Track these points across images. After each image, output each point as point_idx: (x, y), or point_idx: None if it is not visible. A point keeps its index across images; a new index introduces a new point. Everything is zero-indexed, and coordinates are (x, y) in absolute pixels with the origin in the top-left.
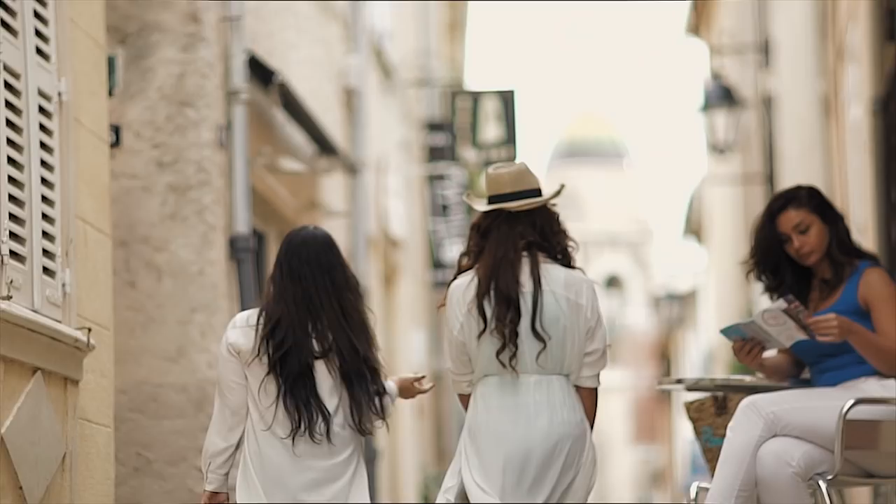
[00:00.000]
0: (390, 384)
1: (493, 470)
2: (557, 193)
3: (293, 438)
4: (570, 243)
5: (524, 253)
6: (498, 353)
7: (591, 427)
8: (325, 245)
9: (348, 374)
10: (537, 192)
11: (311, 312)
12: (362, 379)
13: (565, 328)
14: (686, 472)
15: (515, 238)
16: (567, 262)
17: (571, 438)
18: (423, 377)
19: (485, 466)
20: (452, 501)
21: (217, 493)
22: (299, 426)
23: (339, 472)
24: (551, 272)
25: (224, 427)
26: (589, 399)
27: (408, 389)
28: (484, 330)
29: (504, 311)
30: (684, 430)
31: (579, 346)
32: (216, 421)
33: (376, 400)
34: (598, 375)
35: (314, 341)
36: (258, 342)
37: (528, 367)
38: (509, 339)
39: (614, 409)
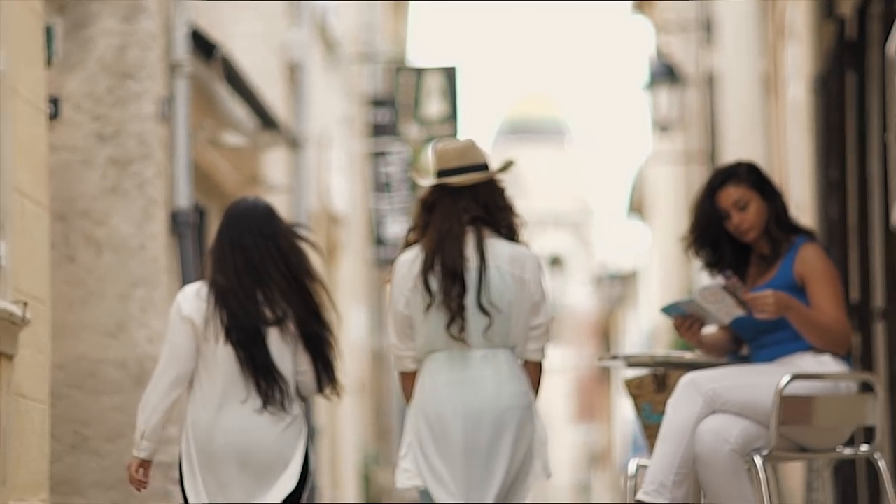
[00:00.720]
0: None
1: (449, 451)
2: (502, 169)
3: (250, 406)
4: (517, 219)
5: (469, 227)
6: (448, 326)
7: (535, 399)
8: (267, 213)
9: (310, 338)
10: (483, 168)
11: (258, 280)
12: (323, 341)
13: (510, 303)
14: (626, 452)
15: (459, 212)
16: (513, 237)
17: (519, 409)
18: None
19: (440, 448)
20: (422, 486)
21: (148, 461)
22: (257, 394)
23: (290, 437)
24: (497, 247)
25: (164, 392)
26: (535, 372)
27: None
28: (431, 304)
29: (450, 285)
30: (624, 409)
31: (524, 321)
32: (157, 387)
33: (334, 363)
34: (543, 349)
35: (265, 309)
36: (209, 314)
37: (475, 341)
38: (457, 313)
39: (555, 389)
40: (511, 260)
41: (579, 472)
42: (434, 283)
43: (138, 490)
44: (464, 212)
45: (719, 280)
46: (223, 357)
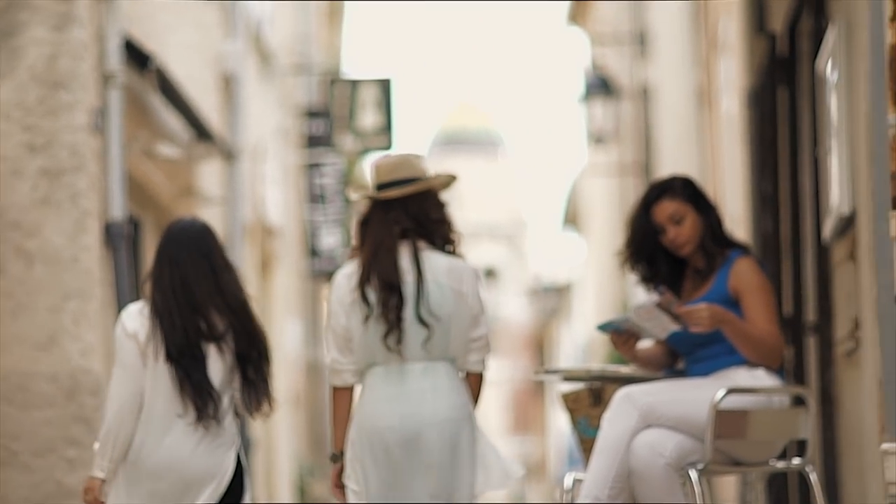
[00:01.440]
0: None
1: (388, 466)
2: (442, 183)
3: (187, 424)
4: (452, 231)
5: (403, 240)
6: (384, 337)
7: (474, 410)
8: (203, 232)
9: (242, 356)
10: (415, 180)
11: (193, 298)
12: (256, 360)
13: (449, 315)
14: (561, 464)
15: (390, 224)
16: (449, 249)
17: (457, 422)
18: None
19: (378, 464)
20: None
21: (105, 481)
22: (193, 411)
23: (222, 454)
24: (433, 260)
25: (130, 413)
26: (476, 384)
27: None
28: (369, 316)
29: (387, 296)
30: (559, 421)
31: (464, 333)
32: (114, 409)
33: (269, 380)
34: (484, 360)
35: (202, 326)
36: (149, 332)
37: (414, 354)
38: (394, 325)
39: (490, 401)
40: (448, 272)
41: (514, 484)
42: (371, 296)
43: None
44: (394, 224)
45: (653, 297)
46: (161, 374)
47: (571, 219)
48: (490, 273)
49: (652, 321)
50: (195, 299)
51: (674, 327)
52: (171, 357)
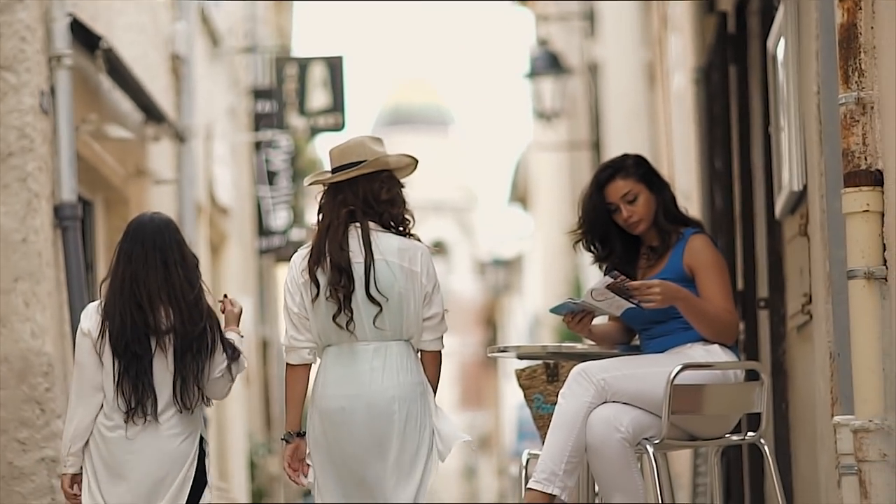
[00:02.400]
0: (234, 339)
1: (339, 445)
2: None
3: (128, 420)
4: (402, 211)
5: (356, 223)
6: (334, 317)
7: (436, 389)
8: (161, 226)
9: (178, 352)
10: (361, 163)
11: (141, 293)
12: (192, 355)
13: (401, 294)
14: (513, 438)
15: (339, 207)
16: (401, 230)
17: (408, 400)
18: (225, 297)
19: (330, 443)
20: (312, 481)
21: (77, 474)
22: (131, 407)
23: (176, 452)
24: (384, 240)
25: (84, 408)
26: (433, 362)
27: (232, 317)
28: (318, 296)
29: (337, 277)
30: (511, 395)
31: (416, 312)
32: (74, 404)
33: (219, 371)
34: (440, 339)
35: (150, 321)
36: (99, 328)
37: (368, 335)
38: (344, 305)
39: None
40: (399, 252)
41: (465, 457)
42: (321, 277)
43: (73, 501)
44: (342, 206)
45: (605, 280)
46: (108, 369)
47: (519, 195)
48: (439, 247)
49: (607, 301)
50: (143, 295)
51: (628, 305)
52: (114, 353)
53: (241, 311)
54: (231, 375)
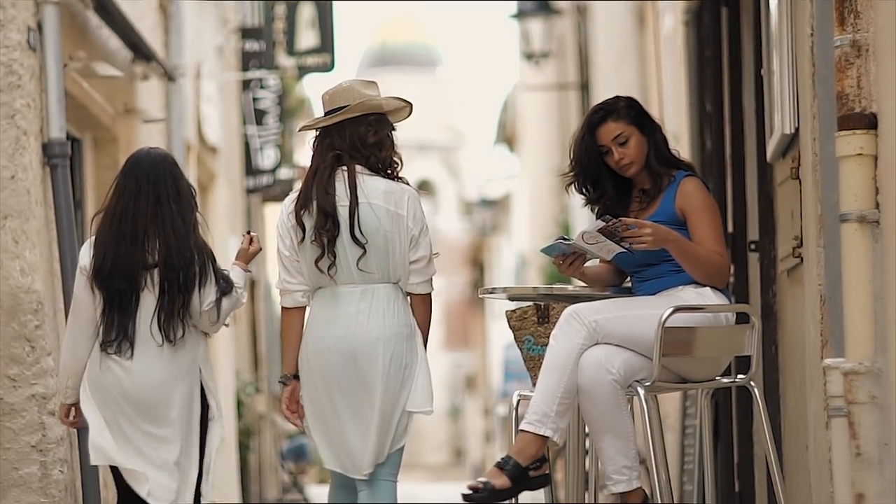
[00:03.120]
0: (236, 274)
1: (325, 386)
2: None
3: (115, 351)
4: (388, 154)
5: (339, 166)
6: (316, 262)
7: (427, 332)
8: (157, 161)
9: (164, 286)
10: (363, 108)
11: (129, 227)
12: (178, 289)
13: (386, 237)
14: (499, 378)
15: (325, 151)
16: (388, 173)
17: (394, 339)
18: (249, 233)
19: (317, 383)
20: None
21: (75, 404)
22: (113, 339)
23: (170, 383)
24: (370, 184)
25: (79, 341)
26: (422, 305)
27: (244, 254)
28: (303, 239)
29: (322, 221)
30: (497, 336)
31: (402, 255)
32: (70, 338)
33: (208, 304)
34: (428, 281)
35: (139, 255)
36: (91, 261)
37: (354, 277)
38: (327, 249)
39: None
40: (385, 195)
41: (451, 397)
42: (308, 221)
43: (72, 428)
44: (329, 150)
45: (597, 223)
46: (99, 300)
47: (505, 136)
48: (425, 188)
49: (597, 245)
50: (131, 229)
51: (619, 250)
52: (101, 286)
53: (258, 252)
54: (219, 308)
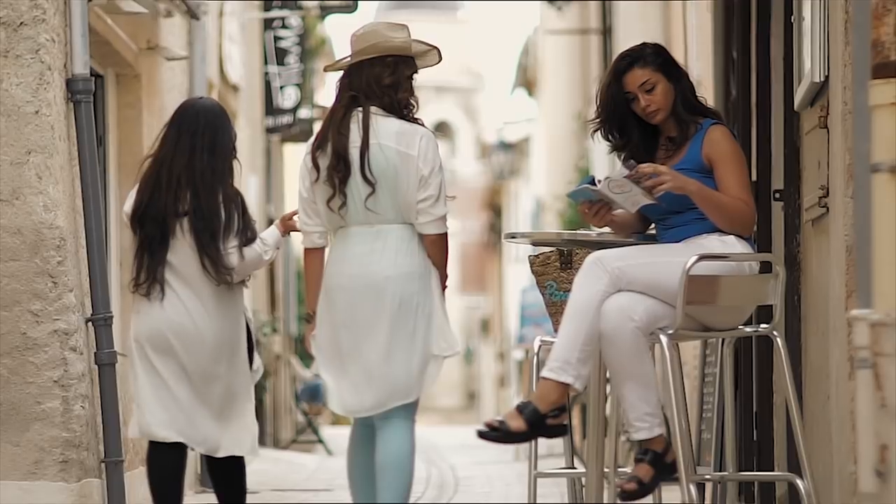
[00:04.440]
0: (270, 232)
1: (334, 322)
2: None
3: (142, 291)
4: (405, 96)
5: (355, 107)
6: (328, 201)
7: (444, 274)
8: (200, 111)
9: (195, 232)
10: (379, 49)
11: (164, 174)
12: (209, 236)
13: (394, 177)
14: (515, 322)
15: (343, 92)
16: (403, 114)
17: (403, 279)
18: (293, 213)
19: (328, 320)
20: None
21: None
22: (141, 281)
23: (211, 327)
24: (383, 125)
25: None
26: (433, 246)
27: (286, 225)
28: (317, 180)
29: (334, 161)
30: (514, 280)
31: (411, 195)
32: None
33: (230, 249)
34: (436, 221)
35: (171, 202)
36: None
37: (366, 218)
38: (338, 189)
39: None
40: (398, 136)
41: (466, 340)
42: (322, 161)
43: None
44: (346, 90)
45: (623, 171)
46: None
47: (525, 80)
48: (442, 129)
49: (623, 194)
50: (167, 176)
51: (645, 200)
52: (134, 229)
53: (292, 228)
54: (240, 256)
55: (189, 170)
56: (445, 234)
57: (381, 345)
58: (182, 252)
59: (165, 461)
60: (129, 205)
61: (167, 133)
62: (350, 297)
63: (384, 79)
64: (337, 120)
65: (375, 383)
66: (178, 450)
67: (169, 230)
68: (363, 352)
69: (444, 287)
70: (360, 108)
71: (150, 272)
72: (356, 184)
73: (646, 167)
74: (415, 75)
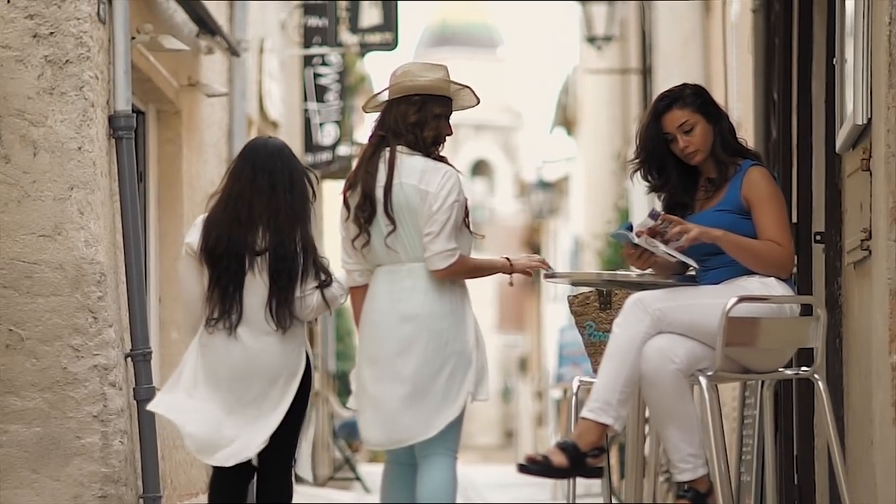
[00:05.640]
0: (341, 275)
1: (368, 355)
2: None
3: (216, 328)
4: (430, 133)
5: (382, 146)
6: (353, 240)
7: (482, 274)
8: (274, 151)
9: (272, 273)
10: (405, 88)
11: (244, 212)
12: (285, 277)
13: (416, 215)
14: (553, 361)
15: (374, 132)
16: (427, 151)
17: (433, 317)
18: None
19: (363, 362)
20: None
21: None
22: (216, 317)
23: (270, 366)
24: (408, 163)
25: (185, 316)
26: (446, 280)
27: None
28: (347, 219)
29: (361, 201)
30: (552, 318)
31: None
32: (185, 315)
33: (309, 297)
34: (438, 256)
35: (248, 239)
36: (199, 239)
37: (391, 256)
38: (363, 228)
39: (480, 295)
40: (420, 174)
41: (504, 378)
42: (352, 201)
43: None
44: (377, 130)
45: (647, 221)
46: (205, 279)
47: (564, 119)
48: (480, 169)
49: (656, 248)
50: (246, 213)
51: (669, 256)
52: (209, 263)
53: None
54: (323, 300)
55: (270, 208)
56: (452, 267)
57: (407, 381)
58: (253, 290)
59: (227, 485)
60: (193, 237)
61: (240, 170)
62: (379, 333)
63: (409, 117)
64: (365, 159)
65: (398, 418)
66: (241, 472)
67: (245, 267)
68: (388, 387)
69: (509, 270)
70: (388, 148)
71: (224, 309)
72: (378, 223)
73: (671, 218)
74: (447, 114)
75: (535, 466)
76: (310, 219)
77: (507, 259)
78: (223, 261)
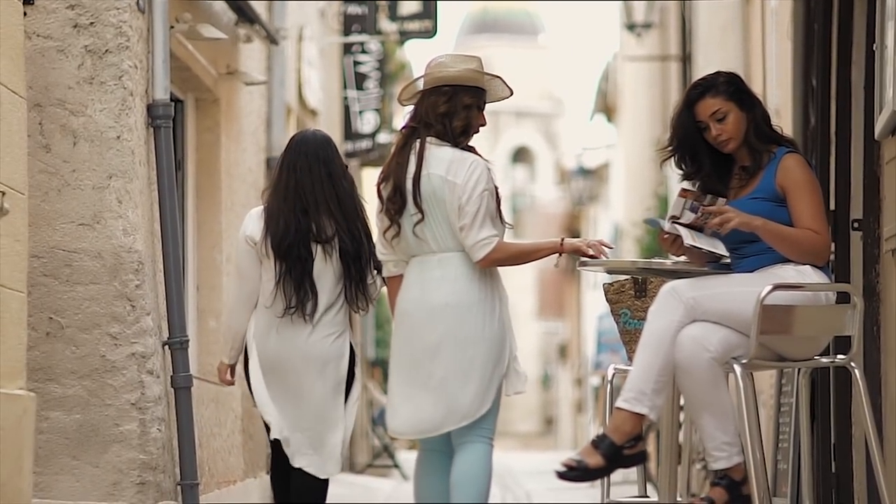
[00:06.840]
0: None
1: (399, 345)
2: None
3: (287, 317)
4: (465, 125)
5: (413, 138)
6: (384, 231)
7: (530, 259)
8: (323, 142)
9: (346, 258)
10: (434, 79)
11: (306, 201)
12: (359, 262)
13: (444, 205)
14: (592, 348)
15: (407, 123)
16: (456, 142)
17: (462, 306)
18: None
19: (397, 351)
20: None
21: (233, 365)
22: (291, 306)
23: (330, 351)
24: (436, 153)
25: (243, 308)
26: (487, 270)
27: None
28: (381, 211)
29: (392, 192)
30: (591, 306)
31: (455, 223)
32: (235, 305)
33: (373, 282)
34: (475, 247)
35: (311, 227)
36: (263, 232)
37: (421, 247)
38: (393, 220)
39: (520, 283)
40: (448, 164)
41: (543, 365)
42: (385, 192)
43: (227, 386)
44: (410, 121)
45: (677, 203)
46: (269, 271)
47: (604, 105)
48: (523, 154)
49: (700, 239)
50: (307, 203)
51: (713, 249)
52: (276, 255)
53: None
54: (378, 283)
55: (332, 197)
56: (492, 255)
57: (439, 369)
58: (324, 277)
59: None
60: (252, 230)
61: (293, 161)
62: (411, 322)
63: (440, 107)
64: (397, 151)
65: (431, 407)
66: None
67: (313, 255)
68: (420, 375)
69: (559, 249)
70: (419, 139)
71: (300, 297)
72: (410, 213)
73: (711, 209)
74: (478, 104)
75: (573, 473)
76: (363, 205)
77: (561, 238)
78: (293, 251)
